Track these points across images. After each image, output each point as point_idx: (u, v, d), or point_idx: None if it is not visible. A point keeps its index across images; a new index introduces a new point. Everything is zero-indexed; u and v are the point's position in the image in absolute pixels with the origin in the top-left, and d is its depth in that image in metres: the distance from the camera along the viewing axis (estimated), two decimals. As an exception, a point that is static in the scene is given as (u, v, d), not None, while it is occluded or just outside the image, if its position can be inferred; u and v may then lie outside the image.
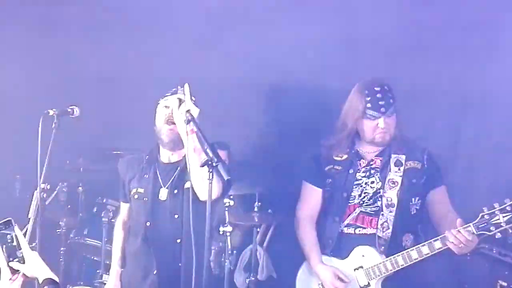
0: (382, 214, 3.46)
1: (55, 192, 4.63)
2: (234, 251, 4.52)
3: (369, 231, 3.48)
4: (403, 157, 3.51)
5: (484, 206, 3.24)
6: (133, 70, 4.75)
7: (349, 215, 3.51)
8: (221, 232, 4.33)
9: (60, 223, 4.66)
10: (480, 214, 3.22)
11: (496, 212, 3.19)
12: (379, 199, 3.48)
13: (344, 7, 4.52)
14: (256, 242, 4.65)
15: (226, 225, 4.37)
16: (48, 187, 3.90)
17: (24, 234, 2.82)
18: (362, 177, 3.54)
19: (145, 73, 4.71)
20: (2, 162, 4.69)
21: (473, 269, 3.92)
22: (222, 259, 4.29)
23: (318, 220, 3.63)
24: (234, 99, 4.51)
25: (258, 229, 4.68)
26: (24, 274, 2.33)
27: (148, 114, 3.45)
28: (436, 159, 3.58)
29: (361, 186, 3.53)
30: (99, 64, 4.72)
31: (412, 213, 3.48)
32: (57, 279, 2.33)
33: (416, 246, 3.34)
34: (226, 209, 4.39)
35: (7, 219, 2.36)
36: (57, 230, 4.66)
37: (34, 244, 3.15)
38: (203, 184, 3.02)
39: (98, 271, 4.36)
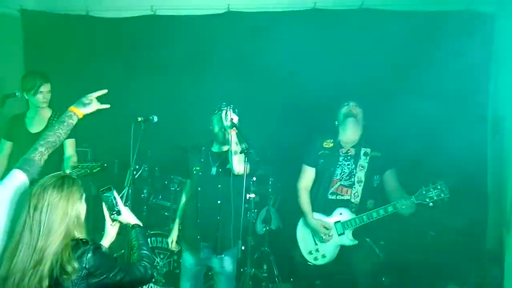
0: (354, 187, 3.45)
1: (141, 171, 4.65)
2: (256, 210, 4.51)
3: (345, 197, 3.47)
4: (369, 149, 3.49)
5: (422, 184, 3.27)
6: (193, 91, 4.73)
7: (332, 186, 3.50)
8: (248, 198, 4.33)
9: (144, 190, 4.67)
10: (419, 190, 3.25)
11: (430, 189, 3.23)
12: (353, 176, 3.46)
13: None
14: (270, 204, 4.69)
15: (251, 193, 4.40)
16: (137, 167, 3.94)
17: (122, 198, 2.85)
18: (342, 160, 3.52)
19: (201, 92, 4.69)
20: (106, 150, 4.70)
21: (411, 225, 3.87)
22: (248, 215, 4.28)
23: (312, 189, 3.61)
24: (258, 112, 4.44)
25: (271, 196, 4.71)
26: (120, 222, 2.38)
27: (204, 120, 3.48)
28: (391, 150, 3.54)
29: (341, 167, 3.51)
30: (173, 88, 4.71)
31: (374, 186, 3.47)
32: (141, 224, 2.40)
33: (376, 209, 3.35)
34: (251, 182, 4.40)
35: (108, 186, 2.41)
36: (142, 195, 4.66)
37: (127, 203, 3.17)
38: (239, 165, 3.07)
39: (167, 222, 4.39)
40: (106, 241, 2.36)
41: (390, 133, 3.72)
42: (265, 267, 4.50)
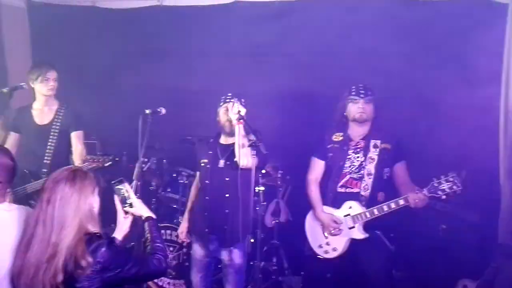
0: (364, 180, 3.42)
1: (149, 163, 4.69)
2: (265, 202, 4.53)
3: (355, 190, 3.44)
4: (379, 141, 3.46)
5: (434, 177, 3.21)
6: (200, 83, 4.70)
7: (342, 179, 3.48)
8: (257, 190, 4.35)
9: (152, 183, 4.70)
10: (431, 183, 3.19)
11: (442, 181, 3.17)
12: (362, 169, 3.44)
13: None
14: (279, 197, 4.70)
15: (260, 185, 4.41)
16: (145, 160, 3.95)
17: (130, 189, 2.88)
18: (352, 153, 3.49)
19: (208, 85, 4.65)
20: (114, 143, 4.72)
21: (422, 218, 3.85)
22: (257, 208, 4.28)
23: (321, 182, 3.60)
24: (268, 104, 4.43)
25: (280, 189, 4.71)
26: (132, 214, 2.37)
27: (211, 113, 3.46)
28: (402, 142, 3.51)
29: (351, 160, 3.48)
30: (180, 79, 4.69)
31: (384, 178, 3.44)
32: (154, 216, 2.38)
33: (387, 202, 3.31)
34: (260, 175, 4.40)
35: (120, 178, 2.39)
36: (150, 188, 4.69)
37: (137, 195, 3.17)
38: (246, 158, 3.07)
39: (176, 214, 4.41)
40: (119, 234, 2.36)
41: (400, 125, 3.68)
42: (274, 260, 4.53)
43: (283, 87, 4.60)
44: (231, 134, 3.31)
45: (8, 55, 4.87)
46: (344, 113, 3.52)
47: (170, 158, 4.81)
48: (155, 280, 4.11)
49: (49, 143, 3.69)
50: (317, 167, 3.61)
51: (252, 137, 3.05)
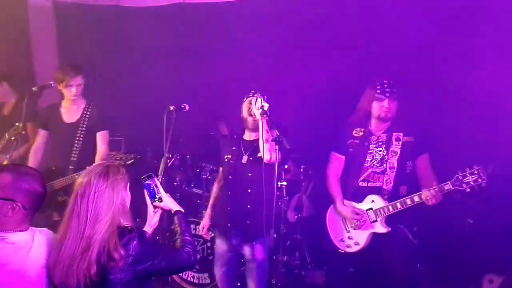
0: (386, 174, 3.42)
1: (173, 159, 4.75)
2: (287, 197, 4.55)
3: (377, 184, 3.45)
4: (401, 134, 3.45)
5: (458, 169, 3.19)
6: (223, 80, 4.77)
7: (364, 173, 3.48)
8: (279, 185, 4.36)
9: (176, 178, 4.78)
10: (455, 175, 3.18)
11: (467, 173, 3.15)
12: (385, 163, 3.44)
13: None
14: (302, 191, 4.73)
15: (283, 180, 4.43)
16: (169, 155, 4.01)
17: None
18: (373, 147, 3.49)
19: (233, 79, 4.73)
20: (140, 140, 4.81)
21: (447, 212, 3.82)
22: (280, 203, 4.30)
23: (341, 177, 3.60)
24: (290, 99, 4.46)
25: (303, 183, 4.75)
26: (162, 208, 2.42)
27: (233, 109, 3.52)
28: (425, 134, 3.49)
29: (372, 154, 3.49)
30: (204, 75, 4.77)
31: (407, 172, 3.44)
32: (183, 210, 2.42)
33: (410, 196, 3.32)
34: (282, 170, 4.43)
35: (149, 173, 2.41)
36: (174, 183, 4.76)
37: None
38: (270, 152, 3.11)
39: (200, 209, 4.48)
40: (149, 228, 2.41)
41: (422, 117, 3.64)
42: (297, 254, 4.58)
43: (307, 82, 4.62)
44: (255, 129, 3.35)
45: (35, 54, 5.04)
46: (368, 110, 3.50)
47: (194, 154, 4.88)
48: (180, 274, 4.21)
49: (76, 141, 3.82)
50: (337, 162, 3.61)
51: (276, 132, 3.09)
